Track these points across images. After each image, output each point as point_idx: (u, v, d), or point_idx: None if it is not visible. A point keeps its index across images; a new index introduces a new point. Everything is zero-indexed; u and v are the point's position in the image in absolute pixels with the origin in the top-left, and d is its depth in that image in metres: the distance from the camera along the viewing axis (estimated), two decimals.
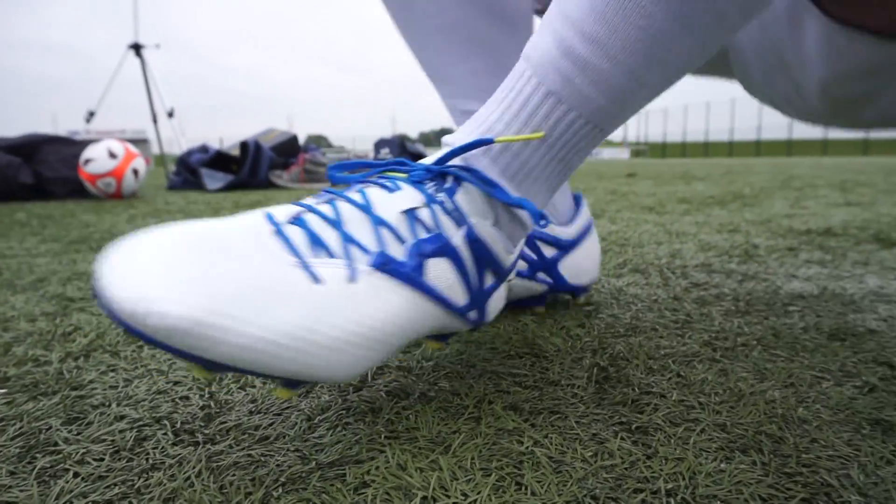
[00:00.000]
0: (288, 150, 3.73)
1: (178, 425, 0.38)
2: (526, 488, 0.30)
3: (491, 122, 0.40)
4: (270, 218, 0.35)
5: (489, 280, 0.41)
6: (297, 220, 0.35)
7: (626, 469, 0.32)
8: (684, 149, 31.64)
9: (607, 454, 0.34)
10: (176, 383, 0.45)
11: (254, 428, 0.37)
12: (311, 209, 0.36)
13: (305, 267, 0.33)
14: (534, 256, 0.60)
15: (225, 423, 0.38)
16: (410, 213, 0.37)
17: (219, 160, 3.46)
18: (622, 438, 0.35)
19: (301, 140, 4.50)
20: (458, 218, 0.39)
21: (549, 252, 0.61)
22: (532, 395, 0.42)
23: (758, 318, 0.60)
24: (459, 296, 0.39)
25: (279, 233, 0.34)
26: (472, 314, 0.40)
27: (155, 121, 4.31)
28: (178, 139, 4.80)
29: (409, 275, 0.36)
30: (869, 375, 0.44)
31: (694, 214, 1.60)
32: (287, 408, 0.40)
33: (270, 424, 0.38)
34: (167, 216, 1.78)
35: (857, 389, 0.42)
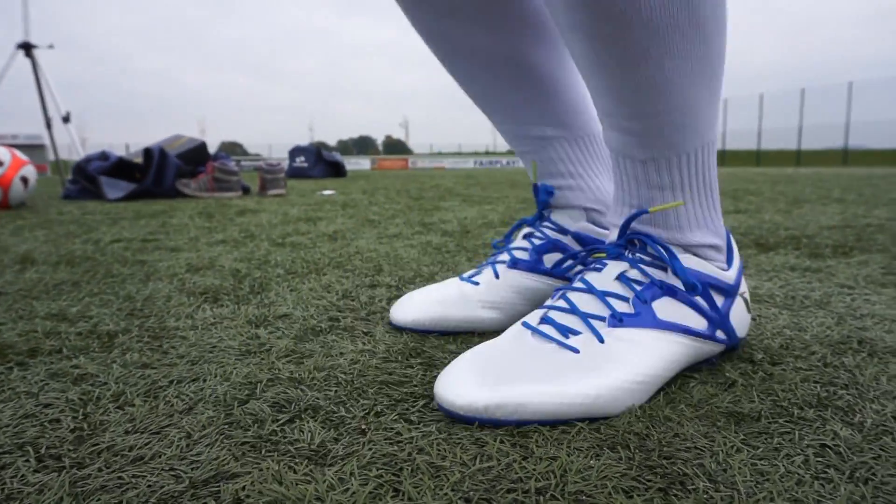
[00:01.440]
0: (196, 157, 3.59)
1: (43, 450, 0.36)
2: (403, 494, 0.31)
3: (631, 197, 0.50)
4: (527, 325, 0.46)
5: (720, 300, 0.49)
6: (544, 319, 0.46)
7: (501, 471, 0.33)
8: None
9: (486, 457, 0.35)
10: (46, 405, 0.42)
11: (128, 448, 0.36)
12: (551, 307, 0.47)
13: (562, 345, 0.43)
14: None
15: (97, 445, 0.36)
16: (623, 277, 0.47)
17: (120, 168, 3.28)
18: (501, 441, 0.37)
19: (214, 147, 4.35)
20: (661, 264, 0.48)
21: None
22: (422, 403, 0.42)
23: None
24: (697, 321, 0.47)
25: (536, 332, 0.45)
26: (720, 334, 0.49)
27: (49, 126, 4.04)
28: (76, 145, 4.52)
29: (640, 318, 0.45)
30: (732, 372, 0.48)
31: None
32: (167, 425, 0.39)
33: (146, 444, 0.37)
34: (59, 227, 1.67)
35: (719, 386, 0.45)
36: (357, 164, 29.99)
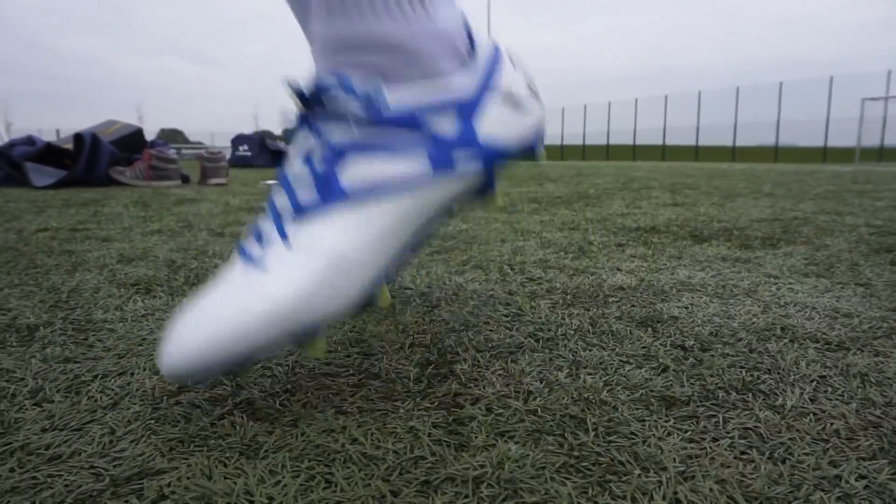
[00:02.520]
0: (131, 144, 3.45)
1: None
2: (335, 486, 0.30)
3: None
4: (239, 245, 0.40)
5: (444, 123, 0.40)
6: (254, 232, 0.41)
7: (435, 461, 0.33)
8: None
9: (420, 447, 0.34)
10: None
11: (45, 447, 0.34)
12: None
13: (252, 262, 0.38)
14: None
15: (10, 444, 0.34)
16: (307, 156, 0.40)
17: (48, 153, 3.12)
18: (439, 428, 0.37)
19: (154, 134, 4.18)
20: (339, 116, 0.39)
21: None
22: (359, 392, 0.42)
23: (580, 309, 0.64)
24: (404, 168, 0.40)
25: (241, 250, 0.40)
26: (464, 160, 0.41)
27: None
28: None
29: (319, 202, 0.39)
30: (664, 358, 0.49)
31: (541, 213, 1.69)
32: (88, 422, 0.37)
33: (65, 442, 0.35)
34: None
35: (653, 371, 0.46)
36: None
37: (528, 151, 0.44)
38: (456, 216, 0.49)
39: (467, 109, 0.41)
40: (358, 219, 0.39)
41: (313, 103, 0.40)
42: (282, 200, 0.40)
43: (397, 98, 0.40)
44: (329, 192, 0.39)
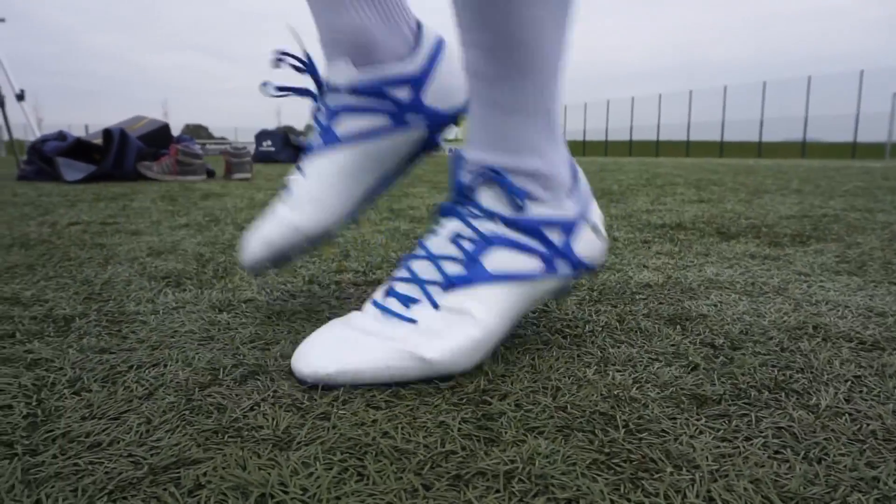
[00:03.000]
0: (158, 139, 3.50)
1: None
2: (368, 478, 0.31)
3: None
4: (374, 301, 0.48)
5: (558, 236, 0.50)
6: (389, 292, 0.48)
7: (466, 455, 0.33)
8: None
9: (450, 441, 0.35)
10: None
11: (84, 435, 0.35)
12: (395, 279, 0.49)
13: (401, 317, 0.46)
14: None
15: (52, 431, 0.35)
16: (456, 237, 0.49)
17: (79, 149, 3.18)
18: (468, 423, 0.37)
19: (179, 130, 4.24)
20: (491, 214, 0.49)
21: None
22: (388, 389, 0.42)
23: (607, 306, 0.64)
24: (530, 264, 0.49)
25: (380, 307, 0.47)
26: (562, 267, 0.50)
27: (2, 104, 3.89)
28: (31, 125, 4.36)
29: (472, 277, 0.47)
30: (694, 356, 0.49)
31: None
32: (125, 411, 0.38)
33: (104, 430, 0.36)
34: (13, 209, 1.61)
35: (682, 369, 0.46)
36: None
37: (594, 270, 0.54)
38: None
39: (568, 229, 0.51)
40: (490, 294, 0.47)
41: (464, 195, 0.50)
42: (426, 270, 0.48)
43: (530, 212, 0.49)
44: (476, 270, 0.48)
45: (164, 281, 0.75)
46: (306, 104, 0.63)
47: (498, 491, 0.30)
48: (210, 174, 3.45)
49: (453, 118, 0.60)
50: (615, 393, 0.41)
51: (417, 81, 0.58)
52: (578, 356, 0.49)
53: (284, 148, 7.08)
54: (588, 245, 0.53)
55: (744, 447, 0.34)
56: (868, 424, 0.37)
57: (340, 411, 0.38)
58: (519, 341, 0.52)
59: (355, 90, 0.57)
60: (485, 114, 0.49)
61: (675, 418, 0.38)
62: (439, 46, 0.60)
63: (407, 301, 0.47)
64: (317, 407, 0.39)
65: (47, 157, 3.06)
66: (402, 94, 0.57)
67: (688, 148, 24.93)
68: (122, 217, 1.45)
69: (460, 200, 0.51)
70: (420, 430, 0.36)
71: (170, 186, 2.63)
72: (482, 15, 0.45)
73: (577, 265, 0.52)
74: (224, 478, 0.30)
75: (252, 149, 6.68)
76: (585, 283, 0.74)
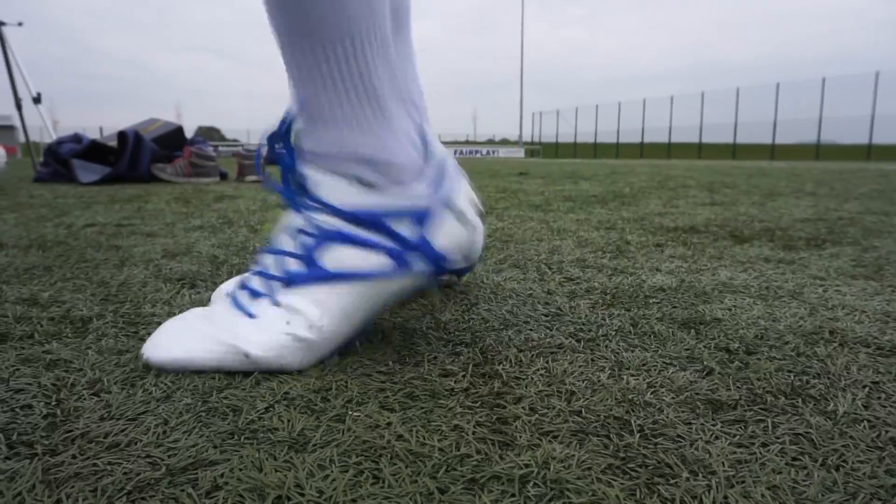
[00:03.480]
0: (172, 142, 3.53)
1: (15, 437, 0.35)
2: (383, 482, 0.31)
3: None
4: (228, 292, 0.50)
5: (409, 229, 0.47)
6: (242, 284, 0.49)
7: (481, 459, 0.33)
8: (575, 149, 33.14)
9: (465, 445, 0.35)
10: (18, 391, 0.41)
11: (103, 435, 0.35)
12: (251, 271, 0.49)
13: (244, 311, 0.47)
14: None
15: (71, 431, 0.36)
16: (297, 232, 0.47)
17: (94, 151, 3.22)
18: (483, 427, 0.37)
19: (191, 132, 4.27)
20: (329, 207, 0.46)
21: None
22: (402, 389, 0.42)
23: (621, 310, 0.64)
24: (376, 261, 0.46)
25: (230, 296, 0.49)
26: (418, 262, 0.47)
27: (19, 107, 3.93)
28: (48, 127, 4.41)
29: (310, 275, 0.46)
30: (709, 360, 0.48)
31: (577, 212, 1.67)
32: (143, 412, 0.38)
33: (122, 431, 0.36)
34: (30, 211, 1.63)
35: (697, 373, 0.46)
36: None
37: (468, 269, 0.51)
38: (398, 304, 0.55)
39: (421, 219, 0.47)
40: (330, 294, 0.46)
41: (301, 185, 0.48)
42: (270, 263, 0.48)
43: (367, 202, 0.46)
44: (314, 268, 0.46)
45: (180, 283, 0.75)
46: None
47: (513, 495, 0.30)
48: (223, 176, 3.48)
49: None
50: (630, 397, 0.41)
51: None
52: (592, 360, 0.48)
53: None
54: (452, 236, 0.48)
55: (760, 453, 0.34)
56: (887, 431, 0.36)
57: (354, 413, 0.38)
58: (532, 344, 0.52)
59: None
60: (293, 88, 0.47)
61: (690, 423, 0.37)
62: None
63: (254, 294, 0.47)
64: (331, 409, 0.39)
65: (63, 160, 3.10)
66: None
67: (700, 150, 24.77)
68: (136, 219, 1.46)
69: (298, 191, 0.48)
70: (435, 434, 0.36)
71: (183, 188, 2.65)
72: None
73: (437, 259, 0.47)
74: (241, 479, 0.31)
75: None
76: (598, 287, 0.74)
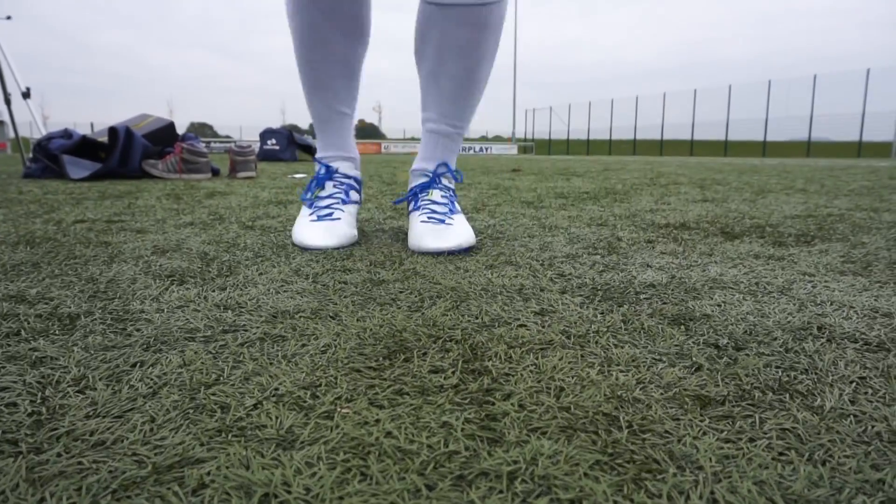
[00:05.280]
0: (163, 137, 3.51)
1: None
2: (371, 479, 0.31)
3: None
4: (425, 216, 1.06)
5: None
6: (429, 215, 1.06)
7: (469, 456, 0.33)
8: (568, 146, 33.16)
9: (453, 441, 0.35)
10: (3, 389, 0.41)
11: (89, 433, 0.35)
12: (432, 211, 1.06)
13: (443, 223, 1.03)
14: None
15: (56, 429, 0.35)
16: (445, 194, 1.11)
17: (84, 147, 3.19)
18: (472, 423, 0.37)
19: (183, 128, 4.24)
20: (446, 188, 1.13)
21: None
22: (393, 387, 0.42)
23: (611, 306, 0.64)
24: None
25: (431, 217, 1.05)
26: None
27: (8, 102, 3.90)
28: (37, 123, 4.37)
29: (457, 209, 1.10)
30: (698, 356, 0.49)
31: (569, 209, 1.68)
32: (129, 409, 0.38)
33: (108, 428, 0.36)
34: (18, 206, 1.62)
35: (686, 369, 0.46)
36: None
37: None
38: None
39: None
40: (463, 217, 1.06)
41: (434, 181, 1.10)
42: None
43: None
44: (456, 207, 1.07)
45: (169, 279, 0.75)
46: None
47: (501, 491, 0.30)
48: (215, 172, 3.46)
49: None
50: (618, 393, 0.41)
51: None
52: (582, 356, 0.49)
53: (289, 146, 7.08)
54: None
55: (748, 448, 0.34)
56: (873, 426, 0.37)
57: (343, 410, 0.38)
58: (522, 341, 0.52)
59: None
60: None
61: (678, 419, 0.38)
62: None
63: (443, 216, 1.03)
64: (320, 406, 0.39)
65: (53, 155, 3.07)
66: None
67: (692, 147, 24.84)
68: (127, 215, 1.45)
69: (431, 184, 1.09)
70: (423, 430, 0.36)
71: (175, 185, 2.64)
72: (468, 108, 1.09)
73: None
74: (228, 477, 0.30)
75: (257, 147, 6.68)
76: (589, 284, 0.74)
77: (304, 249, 0.98)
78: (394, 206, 1.71)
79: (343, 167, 1.12)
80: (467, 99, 1.04)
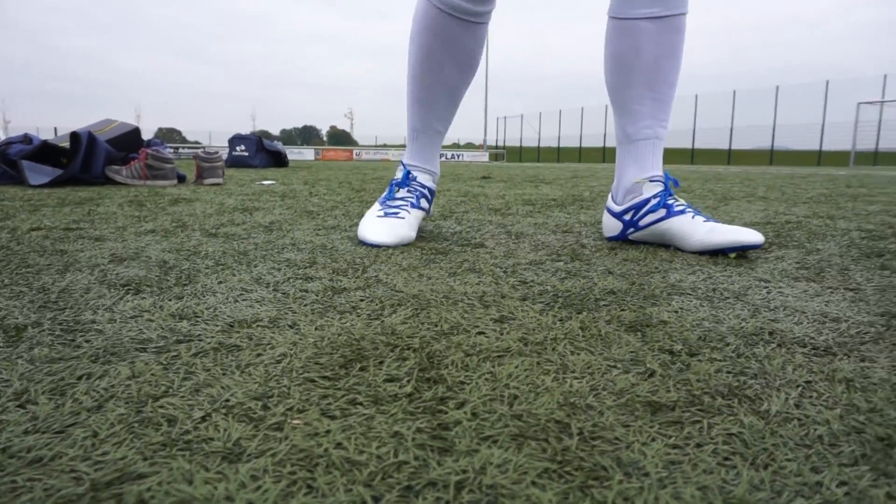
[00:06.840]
0: (128, 143, 3.43)
1: None
2: (317, 491, 0.30)
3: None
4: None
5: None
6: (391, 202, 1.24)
7: (418, 466, 0.33)
8: (539, 153, 33.44)
9: (403, 451, 0.34)
10: None
11: (26, 450, 0.34)
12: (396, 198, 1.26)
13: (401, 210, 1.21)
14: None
15: None
16: (406, 193, 1.26)
17: (45, 152, 3.11)
18: (423, 433, 0.36)
19: (151, 133, 4.17)
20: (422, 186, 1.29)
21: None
22: (347, 396, 0.42)
23: (571, 312, 0.64)
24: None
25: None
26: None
27: None
28: None
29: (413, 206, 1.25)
30: (652, 362, 0.49)
31: (535, 216, 1.69)
32: (72, 424, 0.37)
33: (47, 445, 0.35)
34: None
35: (640, 376, 0.46)
36: (301, 154, 29.45)
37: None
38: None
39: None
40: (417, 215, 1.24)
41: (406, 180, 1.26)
42: (406, 197, 1.24)
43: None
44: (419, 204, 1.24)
45: (125, 288, 0.73)
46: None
47: (447, 502, 0.30)
48: (181, 179, 3.40)
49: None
50: (571, 401, 0.42)
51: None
52: (538, 364, 0.49)
53: (258, 153, 7.00)
54: None
55: (694, 454, 0.34)
56: (815, 429, 0.37)
57: (294, 421, 0.38)
58: (480, 349, 0.52)
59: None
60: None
61: (628, 426, 0.38)
62: None
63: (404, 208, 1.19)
64: (270, 417, 0.38)
65: (11, 161, 2.98)
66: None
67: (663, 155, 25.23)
68: (86, 222, 1.42)
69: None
70: (374, 441, 0.36)
71: (138, 191, 2.59)
72: (667, 109, 1.18)
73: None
74: (169, 493, 0.30)
75: (225, 153, 6.59)
76: (551, 291, 0.75)
77: (363, 244, 1.10)
78: (361, 214, 1.70)
79: (421, 177, 1.26)
80: (673, 98, 1.17)
